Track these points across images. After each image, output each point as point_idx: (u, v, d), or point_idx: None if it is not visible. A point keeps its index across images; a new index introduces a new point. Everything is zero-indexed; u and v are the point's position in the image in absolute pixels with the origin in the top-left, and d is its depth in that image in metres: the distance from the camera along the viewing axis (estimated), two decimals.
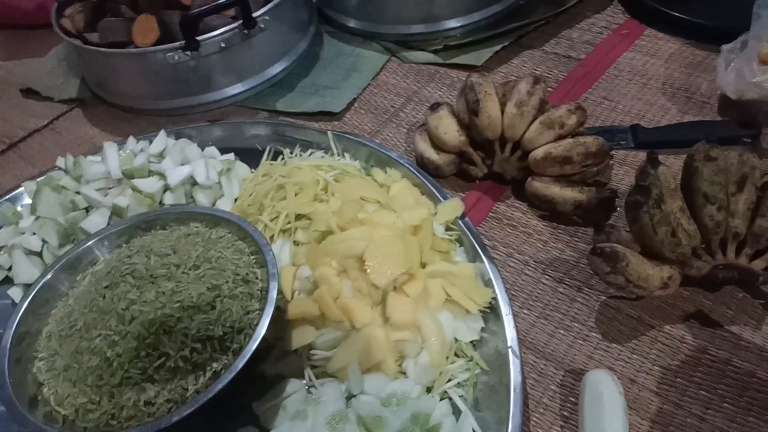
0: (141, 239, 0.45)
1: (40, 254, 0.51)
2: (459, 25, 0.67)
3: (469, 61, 0.64)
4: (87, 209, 0.50)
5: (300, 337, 0.41)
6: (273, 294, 0.40)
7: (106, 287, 0.41)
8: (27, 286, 0.50)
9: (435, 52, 0.66)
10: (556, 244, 0.48)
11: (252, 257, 0.44)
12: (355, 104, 0.63)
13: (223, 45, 0.61)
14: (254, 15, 0.60)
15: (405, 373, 0.40)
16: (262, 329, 0.38)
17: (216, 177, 0.53)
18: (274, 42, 0.65)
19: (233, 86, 0.65)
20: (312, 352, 0.41)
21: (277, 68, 0.67)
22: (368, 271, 0.40)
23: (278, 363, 0.43)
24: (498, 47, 0.64)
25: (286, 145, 0.57)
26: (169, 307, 0.39)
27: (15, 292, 0.50)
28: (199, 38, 0.59)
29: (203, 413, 0.37)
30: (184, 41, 0.59)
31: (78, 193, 0.51)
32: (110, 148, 0.51)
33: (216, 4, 0.57)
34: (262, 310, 0.40)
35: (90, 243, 0.45)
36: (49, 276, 0.43)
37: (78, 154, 0.61)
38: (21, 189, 0.56)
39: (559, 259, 0.47)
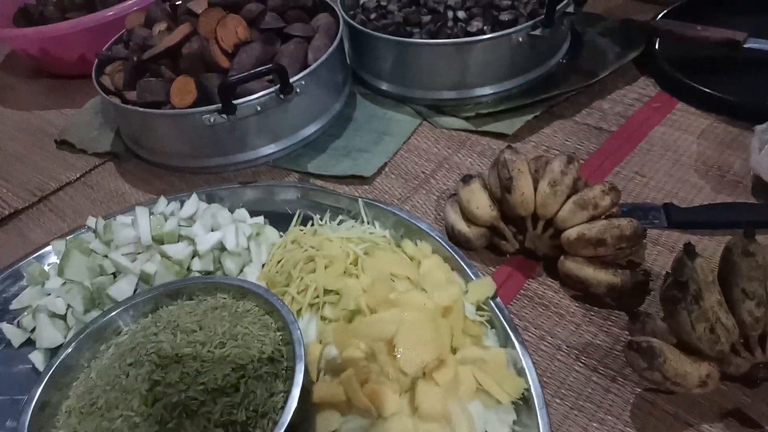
0: (168, 310, 0.45)
1: (64, 317, 0.51)
2: (491, 92, 0.68)
3: (500, 129, 0.64)
4: (114, 274, 0.50)
5: (325, 424, 0.40)
6: (299, 378, 0.39)
7: (130, 365, 0.40)
8: (49, 351, 0.50)
9: (467, 118, 0.66)
10: (589, 327, 0.46)
11: (278, 333, 0.43)
12: (386, 168, 0.63)
13: (258, 108, 0.61)
14: (291, 80, 0.61)
15: None
16: (288, 416, 0.37)
17: (245, 243, 0.52)
18: (309, 104, 0.66)
19: (267, 147, 0.66)
20: None
21: (310, 129, 0.68)
22: (398, 356, 0.39)
23: None
24: (530, 116, 0.64)
25: (316, 210, 0.57)
26: (193, 390, 0.38)
27: (36, 357, 0.49)
28: (235, 102, 0.60)
29: None
30: (220, 104, 0.60)
31: (106, 256, 0.51)
32: (142, 213, 0.51)
33: (253, 72, 0.58)
34: (287, 392, 0.40)
35: (114, 313, 0.45)
36: (72, 347, 0.43)
37: (109, 209, 0.62)
38: (49, 248, 0.57)
39: (593, 344, 0.45)
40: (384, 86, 0.73)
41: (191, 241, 0.52)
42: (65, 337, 0.50)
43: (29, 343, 0.51)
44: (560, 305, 0.48)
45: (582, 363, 0.44)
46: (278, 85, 0.61)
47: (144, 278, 0.49)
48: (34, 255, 0.57)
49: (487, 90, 0.68)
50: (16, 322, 0.52)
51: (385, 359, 0.40)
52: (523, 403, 0.40)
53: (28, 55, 0.88)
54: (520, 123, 0.64)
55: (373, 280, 0.44)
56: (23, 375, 0.49)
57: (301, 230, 0.54)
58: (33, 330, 0.51)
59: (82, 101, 0.82)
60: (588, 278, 0.46)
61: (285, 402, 0.38)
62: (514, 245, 0.51)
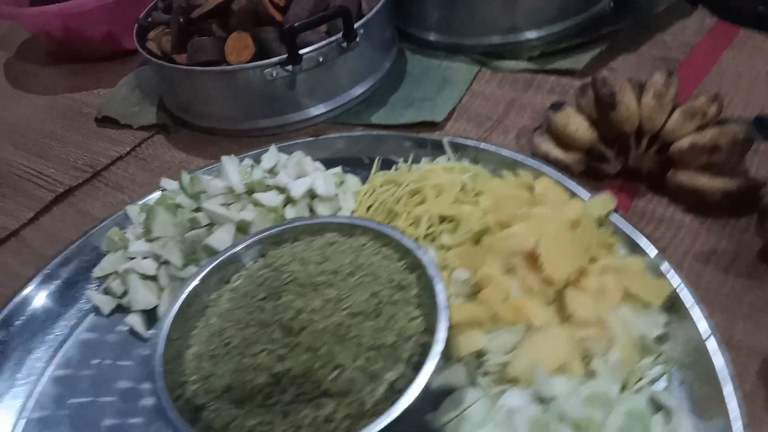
0: (285, 249, 0.42)
1: (155, 278, 0.48)
2: (542, 34, 0.67)
3: (568, 65, 0.63)
4: (209, 226, 0.48)
5: (468, 344, 0.38)
6: (443, 297, 0.37)
7: (263, 299, 0.38)
8: (144, 313, 0.47)
9: (530, 59, 0.65)
10: (708, 236, 0.45)
11: (400, 263, 0.41)
12: (455, 113, 0.62)
13: (320, 60, 0.59)
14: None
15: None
16: (442, 333, 0.35)
17: (334, 189, 0.50)
18: (364, 59, 0.64)
19: (324, 104, 0.64)
20: (485, 358, 0.38)
21: (365, 86, 0.66)
22: (544, 265, 0.37)
23: (443, 373, 0.40)
24: (596, 51, 0.63)
25: (395, 155, 0.55)
26: (338, 315, 0.36)
27: (134, 320, 0.46)
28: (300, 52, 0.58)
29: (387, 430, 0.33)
30: (284, 56, 0.57)
31: (196, 210, 0.48)
32: (229, 162, 0.49)
33: (320, 16, 0.56)
34: (423, 316, 0.38)
35: (237, 249, 0.42)
36: (196, 281, 0.41)
37: (168, 177, 0.59)
38: (120, 213, 0.54)
39: (718, 250, 0.44)
40: (432, 37, 0.71)
41: (280, 189, 0.50)
42: (158, 298, 0.47)
43: (119, 310, 0.48)
44: (674, 219, 0.47)
45: (712, 268, 0.43)
46: (340, 33, 0.59)
47: (241, 227, 0.46)
48: (105, 222, 0.54)
49: (536, 33, 0.67)
50: (101, 289, 0.49)
51: (526, 273, 0.39)
52: (671, 306, 0.39)
53: (49, 38, 0.84)
54: (587, 59, 0.63)
55: (498, 198, 0.42)
56: (118, 340, 0.47)
57: (387, 173, 0.52)
58: (122, 295, 0.48)
59: (112, 82, 0.78)
60: (703, 187, 0.46)
61: (437, 324, 0.36)
62: (615, 166, 0.50)
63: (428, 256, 0.40)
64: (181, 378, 0.38)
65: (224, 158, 0.50)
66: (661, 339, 0.38)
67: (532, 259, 0.39)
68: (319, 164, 0.55)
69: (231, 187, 0.48)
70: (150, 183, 0.61)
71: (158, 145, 0.67)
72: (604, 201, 0.44)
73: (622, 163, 0.50)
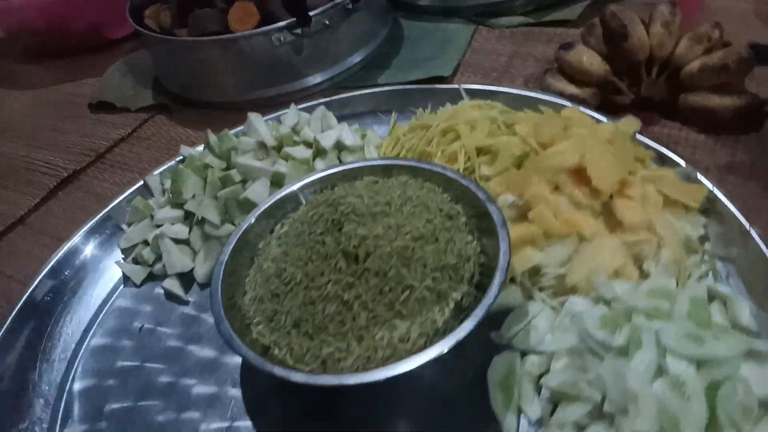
0: (331, 192, 0.42)
1: (187, 242, 0.47)
2: None
3: (563, 16, 0.65)
4: (241, 183, 0.47)
5: (524, 261, 0.39)
6: (499, 215, 0.38)
7: (322, 233, 0.38)
8: (181, 276, 0.46)
9: (525, 14, 0.67)
10: (723, 150, 0.48)
11: (445, 195, 0.42)
12: (460, 69, 0.63)
13: (326, 22, 0.60)
14: None
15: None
16: (505, 245, 0.36)
17: (360, 141, 0.51)
18: (365, 23, 0.65)
19: (327, 71, 0.64)
20: (541, 274, 0.39)
21: (365, 51, 0.67)
22: (591, 176, 0.39)
23: (500, 294, 0.40)
24: (588, 1, 0.66)
25: (412, 106, 0.56)
26: (402, 239, 0.36)
27: (171, 284, 0.46)
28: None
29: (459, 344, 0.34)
30: (292, 20, 0.57)
31: (225, 169, 0.48)
32: (257, 118, 0.49)
33: None
34: (476, 240, 0.39)
35: (290, 190, 0.43)
36: (250, 223, 0.41)
37: (174, 155, 0.57)
38: (134, 189, 0.53)
39: (734, 162, 0.47)
40: (425, 1, 0.73)
41: (306, 144, 0.50)
42: (193, 261, 0.47)
43: (151, 278, 0.47)
44: (689, 140, 0.49)
45: (734, 175, 0.46)
46: None
47: (276, 180, 0.46)
48: (126, 194, 0.52)
49: None
50: (130, 259, 0.48)
51: (572, 189, 0.40)
52: (709, 209, 0.41)
53: (29, 33, 0.81)
54: (579, 9, 0.65)
55: (534, 124, 0.43)
56: (156, 307, 0.45)
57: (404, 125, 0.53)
58: (153, 263, 0.47)
59: (98, 72, 0.76)
60: (715, 106, 0.48)
61: (498, 245, 0.36)
62: (629, 96, 0.52)
63: (473, 183, 0.40)
64: (244, 322, 0.37)
65: (251, 114, 0.49)
66: (702, 239, 0.40)
67: (577, 175, 0.40)
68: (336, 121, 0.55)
69: (261, 141, 0.47)
70: (157, 160, 0.60)
71: (160, 124, 0.66)
72: (630, 122, 0.46)
73: (635, 93, 0.52)
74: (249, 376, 0.40)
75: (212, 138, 0.49)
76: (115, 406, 0.40)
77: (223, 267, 0.39)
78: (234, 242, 0.40)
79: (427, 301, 0.35)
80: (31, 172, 0.62)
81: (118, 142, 0.64)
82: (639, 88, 0.51)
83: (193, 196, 0.46)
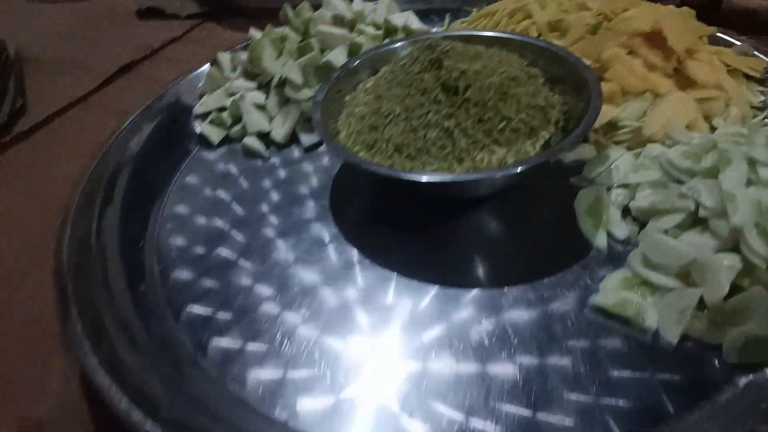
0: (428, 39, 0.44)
1: (263, 108, 0.49)
2: None
3: None
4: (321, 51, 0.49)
5: (600, 116, 0.42)
6: (583, 64, 0.40)
7: (419, 72, 0.40)
8: (261, 136, 0.48)
9: None
10: (765, 50, 0.52)
11: (523, 60, 0.44)
12: None
13: None
14: None
15: None
16: (597, 89, 0.38)
17: (422, 26, 0.53)
18: None
19: None
20: (619, 125, 0.42)
21: None
22: (667, 36, 0.42)
23: (574, 150, 0.43)
24: None
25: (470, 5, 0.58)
26: (498, 76, 0.39)
27: (251, 141, 0.47)
28: None
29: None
30: None
31: (302, 40, 0.49)
32: None
33: None
34: (557, 94, 0.41)
35: (393, 46, 0.45)
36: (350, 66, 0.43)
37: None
38: (200, 70, 0.54)
39: None
40: None
41: (376, 26, 0.52)
42: (269, 125, 0.48)
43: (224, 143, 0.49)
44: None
45: None
46: None
47: (354, 49, 0.48)
48: (196, 72, 0.53)
49: None
50: (207, 122, 0.49)
51: (646, 51, 0.43)
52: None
53: None
54: None
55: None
56: (227, 172, 0.47)
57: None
58: (229, 127, 0.48)
59: None
60: (757, 7, 0.52)
61: (589, 92, 0.38)
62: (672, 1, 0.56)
63: (555, 45, 0.43)
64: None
65: None
66: (762, 108, 0.44)
67: (650, 39, 0.43)
68: None
69: (338, 15, 0.49)
70: (214, 57, 0.61)
71: (210, 30, 0.67)
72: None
73: None
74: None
75: (289, 11, 0.51)
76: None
77: (320, 103, 0.41)
78: (327, 88, 0.42)
79: (521, 133, 0.38)
80: (86, 60, 0.62)
81: (171, 41, 0.65)
82: None
83: (263, 73, 0.48)
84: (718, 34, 0.48)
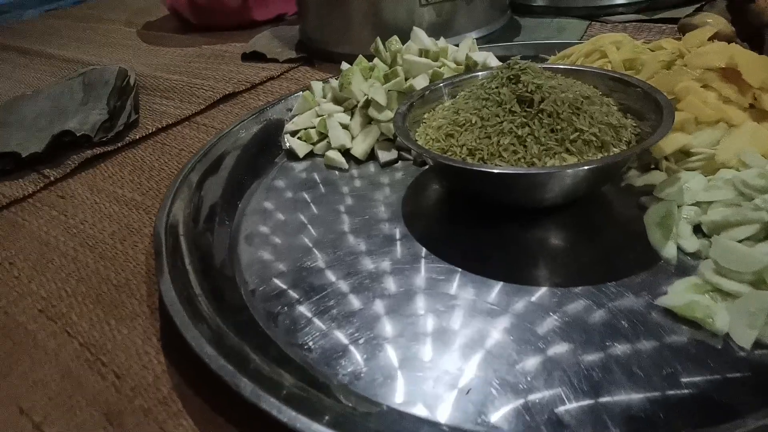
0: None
1: (347, 127, 0.53)
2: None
3: (673, 14, 0.72)
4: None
5: (672, 143, 0.43)
6: (660, 95, 0.42)
7: (497, 87, 0.43)
8: (341, 153, 0.52)
9: (637, 11, 0.75)
10: None
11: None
12: None
13: None
14: None
15: None
16: (669, 110, 0.40)
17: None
18: (493, 2, 0.74)
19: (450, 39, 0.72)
20: (692, 152, 0.43)
21: (484, 31, 0.74)
22: (742, 70, 0.43)
23: (644, 176, 0.44)
24: (700, 4, 0.73)
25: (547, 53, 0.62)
26: (572, 93, 0.41)
27: (333, 154, 0.51)
28: None
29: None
30: None
31: (389, 66, 0.54)
32: (420, 30, 0.56)
33: None
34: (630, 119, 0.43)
35: (429, 90, 0.49)
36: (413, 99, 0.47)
37: None
38: (295, 95, 0.59)
39: None
40: (540, 2, 0.82)
41: (457, 63, 0.56)
42: (351, 143, 0.52)
43: (310, 156, 0.53)
44: None
45: None
46: None
47: (434, 78, 0.52)
48: (283, 100, 0.59)
49: None
50: (295, 138, 0.54)
51: (721, 84, 0.44)
52: None
53: (190, 5, 0.93)
54: (688, 10, 0.72)
55: (687, 34, 0.49)
56: (309, 179, 0.50)
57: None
58: (315, 143, 0.53)
59: (246, 41, 0.87)
60: None
61: (661, 116, 0.40)
62: None
63: (627, 75, 0.45)
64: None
65: (415, 28, 0.56)
66: None
67: (725, 74, 0.44)
68: None
69: (424, 48, 0.54)
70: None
71: (304, 72, 0.74)
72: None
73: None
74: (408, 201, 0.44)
75: (379, 43, 0.56)
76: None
77: (402, 113, 0.44)
78: (409, 102, 0.46)
79: (593, 145, 0.39)
80: (194, 90, 0.70)
81: (269, 79, 0.72)
82: (761, 51, 0.56)
83: (349, 100, 0.53)
84: None
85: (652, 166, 0.44)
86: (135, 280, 0.40)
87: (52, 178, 0.54)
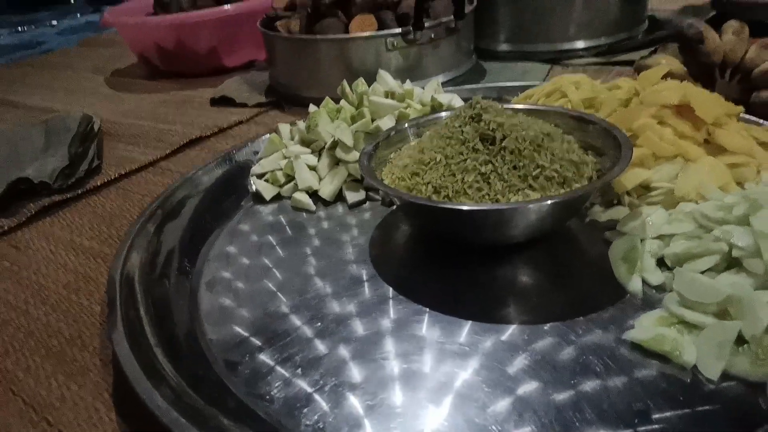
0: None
1: (314, 168, 0.53)
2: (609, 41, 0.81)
3: (630, 57, 0.75)
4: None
5: (633, 177, 0.44)
6: (618, 132, 0.43)
7: (460, 126, 0.43)
8: (308, 194, 0.51)
9: (596, 55, 0.78)
10: None
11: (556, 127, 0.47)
12: None
13: (432, 36, 0.70)
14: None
15: None
16: (628, 148, 0.41)
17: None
18: (455, 49, 0.76)
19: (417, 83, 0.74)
20: (652, 187, 0.43)
21: (451, 74, 0.76)
22: (695, 107, 0.44)
23: (607, 211, 0.44)
24: (654, 47, 0.76)
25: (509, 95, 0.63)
26: (534, 130, 0.42)
27: (300, 196, 0.51)
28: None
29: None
30: (408, 27, 0.68)
31: (357, 107, 0.55)
32: (385, 73, 0.57)
33: None
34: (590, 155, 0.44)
35: (407, 125, 0.49)
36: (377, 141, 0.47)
37: None
38: (269, 135, 0.59)
39: None
40: (502, 47, 0.84)
41: (422, 104, 0.57)
42: (318, 184, 0.52)
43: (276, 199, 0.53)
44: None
45: None
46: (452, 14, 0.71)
47: (401, 118, 0.52)
48: (249, 145, 0.58)
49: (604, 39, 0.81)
50: (262, 180, 0.53)
51: (676, 121, 0.45)
52: None
53: (159, 52, 0.94)
54: (646, 51, 0.75)
55: (642, 74, 0.50)
56: (276, 222, 0.50)
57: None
58: (282, 185, 0.52)
59: (216, 86, 0.87)
60: None
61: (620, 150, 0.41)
62: None
63: (586, 113, 0.46)
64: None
65: (381, 71, 0.57)
66: None
67: (679, 111, 0.46)
68: None
69: (390, 90, 0.55)
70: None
71: (273, 116, 0.74)
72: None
73: None
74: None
75: (346, 86, 0.56)
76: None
77: (369, 153, 0.44)
78: (375, 142, 0.46)
79: (555, 181, 0.40)
80: (161, 135, 0.69)
81: (238, 123, 0.72)
82: (713, 89, 0.59)
83: (316, 141, 0.53)
84: (746, 116, 0.50)
85: (615, 202, 0.45)
86: (88, 332, 0.38)
87: (6, 228, 0.52)
